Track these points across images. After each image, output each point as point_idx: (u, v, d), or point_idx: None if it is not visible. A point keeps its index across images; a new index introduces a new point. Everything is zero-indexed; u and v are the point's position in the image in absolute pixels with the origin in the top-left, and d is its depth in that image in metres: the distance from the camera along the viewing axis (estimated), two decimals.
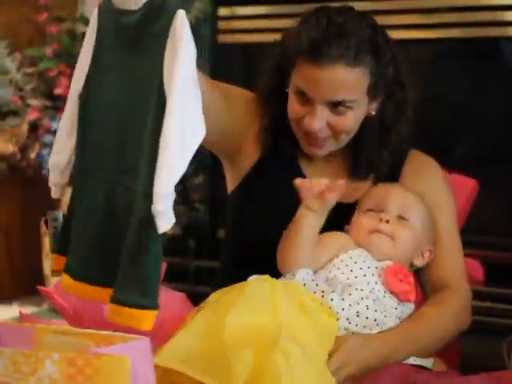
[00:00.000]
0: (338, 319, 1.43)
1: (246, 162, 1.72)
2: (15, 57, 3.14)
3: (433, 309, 1.56)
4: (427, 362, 1.51)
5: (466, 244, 1.74)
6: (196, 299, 1.51)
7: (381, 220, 1.54)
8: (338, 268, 1.49)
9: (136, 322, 1.24)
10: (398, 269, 1.49)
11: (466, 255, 1.74)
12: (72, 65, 3.02)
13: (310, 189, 1.50)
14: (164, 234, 1.26)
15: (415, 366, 1.48)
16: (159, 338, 1.37)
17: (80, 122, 1.37)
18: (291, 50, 1.59)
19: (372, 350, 1.43)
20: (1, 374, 1.10)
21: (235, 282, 1.43)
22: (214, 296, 1.44)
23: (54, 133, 3.02)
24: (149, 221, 1.24)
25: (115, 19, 1.31)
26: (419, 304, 1.57)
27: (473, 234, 2.34)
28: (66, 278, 1.35)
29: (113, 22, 1.32)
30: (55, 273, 1.41)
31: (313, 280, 1.47)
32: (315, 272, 1.50)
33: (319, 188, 1.49)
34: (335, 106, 1.56)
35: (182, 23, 1.23)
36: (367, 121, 1.65)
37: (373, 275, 1.48)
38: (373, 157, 1.67)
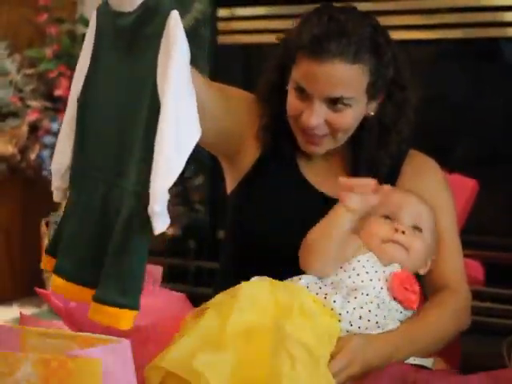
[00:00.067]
0: (340, 320, 1.43)
1: (245, 162, 1.73)
2: (15, 58, 3.14)
3: (433, 310, 1.56)
4: (427, 362, 1.51)
5: (466, 244, 1.74)
6: (196, 300, 1.52)
7: (397, 230, 1.53)
8: (345, 271, 1.49)
9: (114, 320, 1.24)
10: (404, 277, 1.49)
11: (466, 255, 1.74)
12: (72, 66, 3.02)
13: (353, 188, 1.48)
14: (150, 235, 1.26)
15: (415, 365, 1.48)
16: (159, 338, 1.38)
17: (78, 123, 1.37)
18: (292, 46, 1.60)
19: (374, 351, 1.43)
20: None
21: (235, 283, 1.43)
22: (216, 298, 1.45)
23: (54, 134, 3.03)
24: (134, 220, 1.24)
25: (112, 21, 1.32)
26: (420, 305, 1.57)
27: (473, 234, 2.34)
28: (56, 280, 1.35)
29: (110, 24, 1.33)
30: (47, 272, 1.42)
31: (316, 283, 1.47)
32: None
33: (365, 189, 1.48)
34: (333, 102, 1.57)
35: (175, 24, 1.23)
36: (367, 121, 1.65)
37: (379, 280, 1.48)
38: (372, 157, 1.68)
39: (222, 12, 3.30)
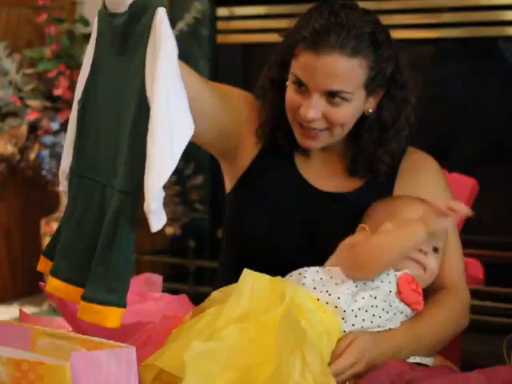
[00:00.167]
0: (343, 318, 1.43)
1: (243, 160, 1.73)
2: (14, 58, 3.14)
3: (434, 310, 1.56)
4: (428, 361, 1.52)
5: (466, 243, 1.74)
6: (196, 299, 1.52)
7: (421, 251, 1.52)
8: None
9: (101, 318, 1.24)
10: (410, 279, 1.50)
11: (466, 254, 1.74)
12: (71, 66, 3.02)
13: (444, 211, 1.44)
14: (135, 234, 1.26)
15: (415, 363, 1.48)
16: (160, 338, 1.38)
17: (78, 124, 1.38)
18: (292, 40, 1.60)
19: (380, 351, 1.44)
20: None
21: (235, 282, 1.43)
22: (213, 295, 1.45)
23: (54, 134, 3.03)
24: (120, 219, 1.24)
25: (110, 23, 1.33)
26: None
27: (473, 233, 2.34)
28: (52, 281, 1.35)
29: (108, 26, 1.34)
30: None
31: (321, 279, 1.47)
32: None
33: (462, 214, 1.45)
34: (331, 96, 1.57)
35: (161, 20, 1.23)
36: (366, 119, 1.65)
37: (389, 282, 1.48)
38: (372, 155, 1.67)
39: (222, 11, 3.30)
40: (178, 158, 1.23)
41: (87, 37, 3.12)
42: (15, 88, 3.11)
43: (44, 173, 3.08)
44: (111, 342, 1.18)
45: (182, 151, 1.23)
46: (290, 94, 1.62)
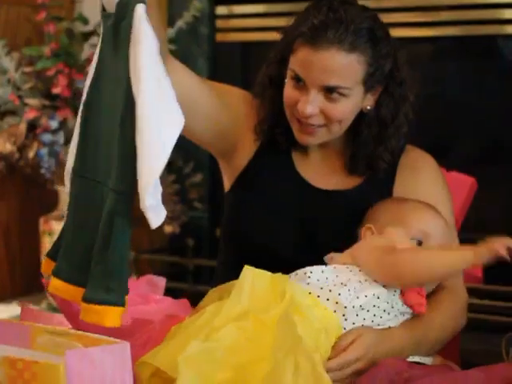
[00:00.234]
0: (343, 315, 1.42)
1: (241, 160, 1.73)
2: (13, 56, 3.14)
3: (433, 311, 1.56)
4: (426, 360, 1.52)
5: (465, 241, 1.74)
6: (195, 298, 1.52)
7: None
8: (360, 271, 1.48)
9: (100, 318, 1.25)
10: None
11: None
12: (70, 64, 3.02)
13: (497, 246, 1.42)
14: (129, 232, 1.26)
15: (413, 362, 1.49)
16: (160, 337, 1.38)
17: (81, 125, 1.38)
18: (291, 36, 1.61)
19: (383, 350, 1.44)
20: None
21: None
22: (211, 293, 1.45)
23: (53, 132, 3.02)
24: (114, 218, 1.24)
25: (106, 23, 1.34)
26: None
27: (471, 231, 2.34)
28: (54, 281, 1.35)
29: (105, 26, 1.34)
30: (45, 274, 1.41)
31: (327, 278, 1.46)
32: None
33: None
34: (329, 92, 1.57)
35: (139, 17, 1.24)
36: (365, 117, 1.65)
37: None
38: (371, 153, 1.67)
39: (221, 10, 3.30)
40: (168, 153, 1.22)
41: (86, 35, 3.12)
42: (14, 86, 3.10)
43: (43, 171, 3.08)
44: (109, 338, 1.18)
45: (172, 145, 1.22)
46: (288, 89, 1.62)
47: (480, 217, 2.64)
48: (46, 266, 1.40)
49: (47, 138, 3.03)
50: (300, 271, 1.48)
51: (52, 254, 1.40)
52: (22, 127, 3.05)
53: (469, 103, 2.95)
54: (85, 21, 3.19)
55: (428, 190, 1.67)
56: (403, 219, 1.54)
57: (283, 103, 1.64)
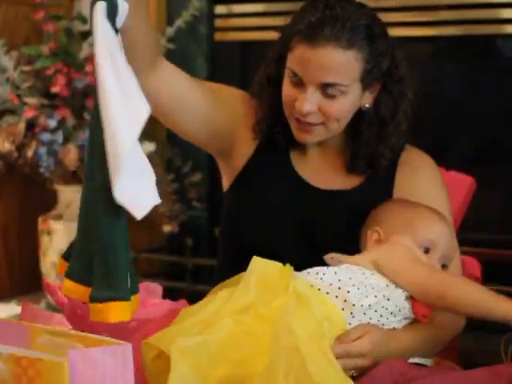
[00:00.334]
0: (351, 312, 1.42)
1: (239, 160, 1.73)
2: (12, 55, 3.14)
3: (433, 313, 1.55)
4: (426, 361, 1.52)
5: (464, 241, 1.75)
6: (194, 297, 1.52)
7: None
8: (373, 274, 1.48)
9: (104, 315, 1.25)
10: None
11: (463, 253, 1.74)
12: (69, 63, 3.01)
13: None
14: (118, 226, 1.26)
15: (413, 363, 1.49)
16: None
17: (90, 128, 1.39)
18: (288, 34, 1.61)
19: (388, 350, 1.44)
20: None
21: None
22: (217, 287, 1.46)
23: (51, 131, 3.02)
24: (98, 214, 1.24)
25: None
26: None
27: (470, 231, 2.35)
28: (66, 282, 1.35)
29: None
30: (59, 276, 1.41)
31: (339, 280, 1.45)
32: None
33: None
34: (326, 89, 1.57)
35: (96, 13, 1.25)
36: (364, 115, 1.65)
37: (403, 291, 1.48)
38: (372, 151, 1.67)
39: (220, 9, 3.30)
40: (131, 145, 1.21)
41: (85, 34, 3.12)
42: (13, 85, 3.10)
43: (41, 170, 3.08)
44: (110, 339, 1.18)
45: (136, 136, 1.20)
46: (286, 88, 1.62)
47: (479, 217, 2.64)
48: (61, 267, 1.40)
49: (46, 137, 3.03)
50: (312, 270, 1.47)
51: (66, 256, 1.40)
52: (21, 126, 3.05)
53: (468, 103, 2.96)
54: (84, 20, 3.19)
55: (426, 189, 1.67)
56: (411, 226, 1.54)
57: (281, 102, 1.64)
